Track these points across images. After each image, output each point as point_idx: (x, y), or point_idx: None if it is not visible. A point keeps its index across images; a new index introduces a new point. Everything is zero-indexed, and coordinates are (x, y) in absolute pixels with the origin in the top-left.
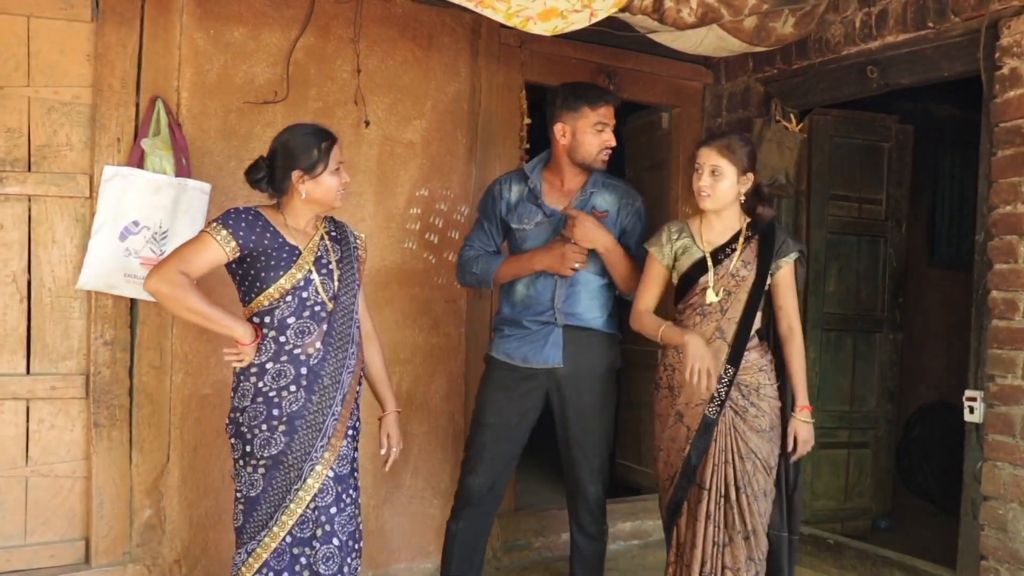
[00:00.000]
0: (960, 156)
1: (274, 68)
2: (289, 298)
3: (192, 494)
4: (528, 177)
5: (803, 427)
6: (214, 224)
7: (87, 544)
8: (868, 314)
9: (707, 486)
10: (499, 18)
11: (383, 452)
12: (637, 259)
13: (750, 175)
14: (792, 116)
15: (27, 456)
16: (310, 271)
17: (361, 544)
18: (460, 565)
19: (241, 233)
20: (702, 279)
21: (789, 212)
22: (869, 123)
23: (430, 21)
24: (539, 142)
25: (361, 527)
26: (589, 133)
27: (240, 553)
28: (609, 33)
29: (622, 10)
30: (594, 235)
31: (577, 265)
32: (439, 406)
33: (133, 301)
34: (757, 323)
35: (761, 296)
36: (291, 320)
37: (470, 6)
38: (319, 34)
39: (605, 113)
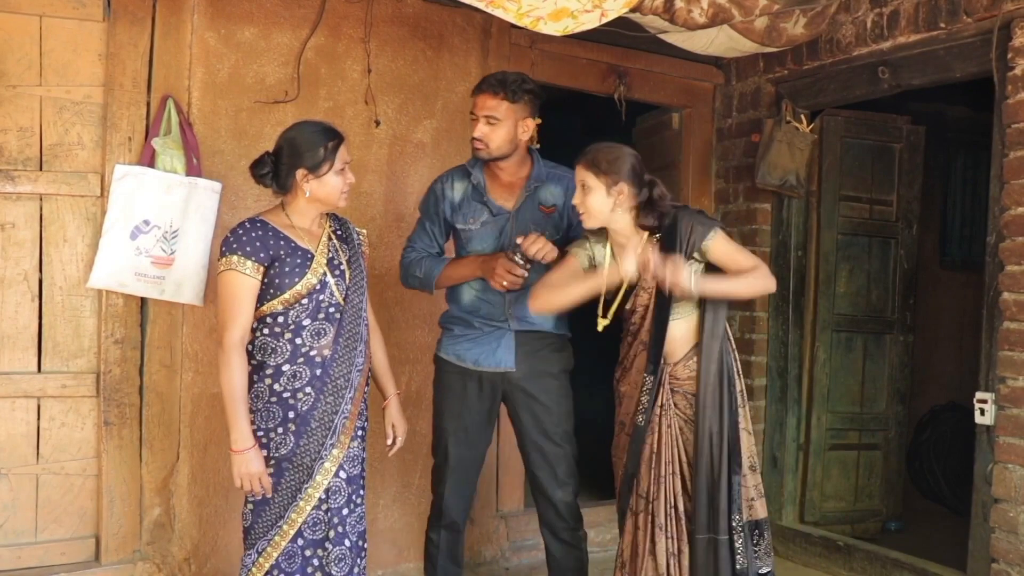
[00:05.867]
0: (972, 157)
1: (285, 68)
2: (305, 301)
3: (202, 492)
4: (471, 173)
5: (678, 263)
6: (235, 259)
7: (97, 542)
8: (879, 315)
9: (652, 498)
10: (510, 18)
11: (389, 442)
12: None
13: (623, 185)
14: (803, 117)
15: (38, 454)
16: (325, 273)
17: (367, 544)
18: (446, 571)
19: (261, 254)
20: (626, 301)
21: (799, 213)
22: (880, 124)
23: (440, 21)
24: (549, 142)
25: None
26: (472, 122)
27: (250, 553)
28: (620, 33)
29: (633, 10)
30: (552, 253)
31: (506, 283)
32: None
33: (143, 300)
34: (694, 337)
35: (669, 299)
36: (307, 322)
37: (481, 6)
38: (329, 34)
39: (474, 102)
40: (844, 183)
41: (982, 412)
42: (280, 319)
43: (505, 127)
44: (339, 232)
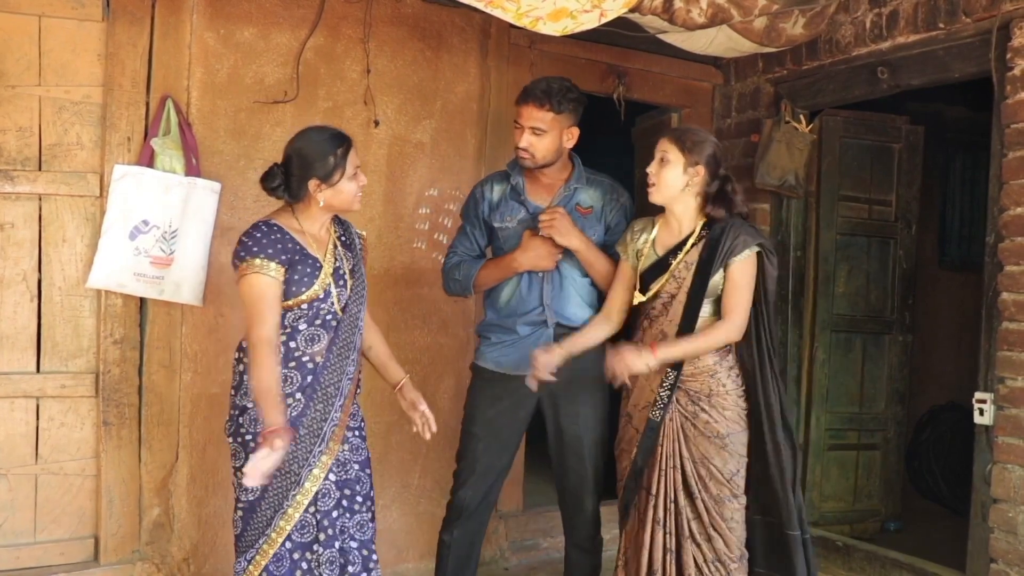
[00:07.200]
0: (971, 157)
1: (284, 68)
2: (305, 307)
3: (201, 493)
4: (510, 175)
5: (630, 352)
6: (258, 261)
7: (96, 542)
8: (878, 316)
9: (653, 491)
10: (509, 18)
11: (418, 427)
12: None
13: (700, 168)
14: (802, 117)
15: (37, 454)
16: (329, 284)
17: (375, 555)
18: (456, 573)
19: (283, 256)
20: (652, 283)
21: (798, 213)
22: (879, 124)
23: (440, 21)
24: None
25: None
26: (516, 130)
27: (240, 562)
28: (619, 33)
29: (632, 10)
30: (569, 232)
31: (559, 256)
32: (448, 406)
33: (143, 300)
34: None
35: (700, 297)
36: (303, 326)
37: (480, 6)
38: (329, 34)
39: (519, 111)
40: (843, 183)
41: (981, 412)
42: None
43: (551, 137)
44: (343, 238)
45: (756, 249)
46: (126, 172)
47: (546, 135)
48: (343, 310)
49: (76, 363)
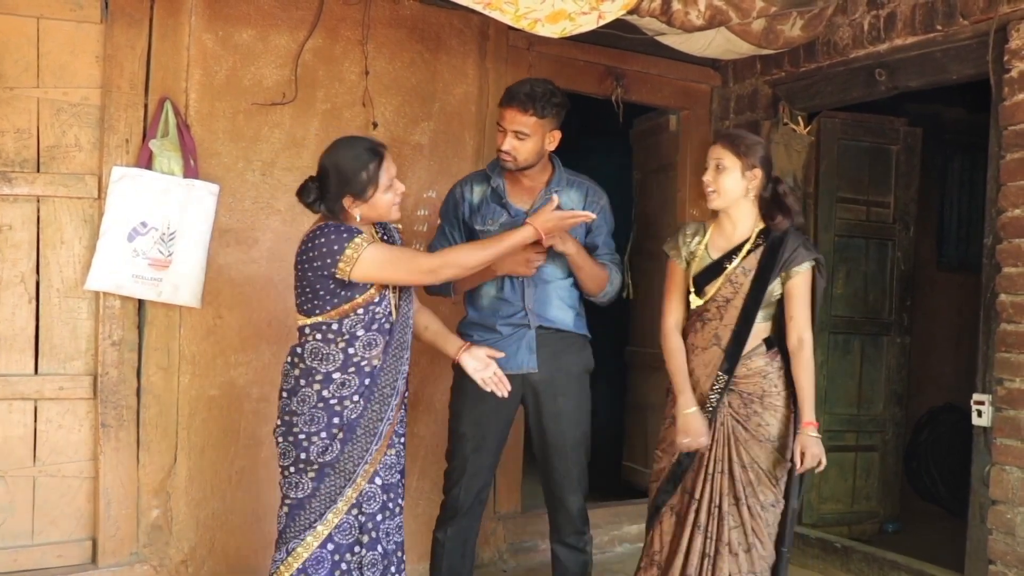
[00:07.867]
0: (969, 159)
1: (282, 70)
2: (361, 311)
3: (199, 495)
4: (490, 177)
5: (810, 441)
6: (357, 240)
7: (94, 544)
8: (876, 317)
9: (697, 496)
10: (507, 20)
11: (491, 386)
12: (602, 259)
13: (757, 171)
14: (800, 119)
15: (35, 456)
16: (385, 287)
17: (404, 557)
18: (450, 572)
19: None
20: (707, 286)
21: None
22: (877, 126)
23: (438, 23)
24: None
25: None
26: (498, 133)
27: (280, 552)
28: (617, 35)
29: (630, 12)
30: (566, 239)
31: (539, 263)
32: (445, 407)
33: (141, 302)
34: (766, 332)
35: (758, 304)
36: (361, 332)
37: (478, 8)
38: (327, 36)
39: (503, 114)
40: (841, 185)
41: (979, 414)
42: (335, 326)
43: (533, 141)
44: (385, 238)
45: (812, 263)
46: (124, 174)
47: (529, 139)
48: (397, 310)
49: (74, 365)
